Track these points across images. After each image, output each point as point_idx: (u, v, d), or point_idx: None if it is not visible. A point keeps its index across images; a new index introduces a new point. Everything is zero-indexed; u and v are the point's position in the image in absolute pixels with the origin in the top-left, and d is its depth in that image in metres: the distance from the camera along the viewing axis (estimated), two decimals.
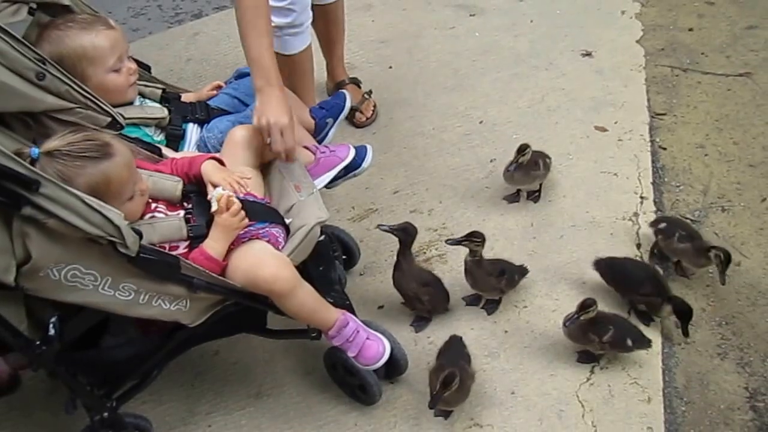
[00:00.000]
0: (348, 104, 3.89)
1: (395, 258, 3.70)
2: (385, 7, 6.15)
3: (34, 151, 2.50)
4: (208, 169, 3.03)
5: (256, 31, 3.29)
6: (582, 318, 3.44)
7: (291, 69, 4.30)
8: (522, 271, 3.91)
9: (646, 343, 3.55)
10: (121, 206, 2.62)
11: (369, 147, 3.76)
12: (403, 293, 3.76)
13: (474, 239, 3.71)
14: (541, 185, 4.39)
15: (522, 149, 4.16)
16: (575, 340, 3.58)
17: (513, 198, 4.42)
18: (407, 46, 5.72)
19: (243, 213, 2.89)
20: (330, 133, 3.88)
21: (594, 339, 3.49)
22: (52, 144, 2.56)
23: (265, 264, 2.91)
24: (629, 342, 3.52)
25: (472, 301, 3.94)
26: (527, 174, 4.25)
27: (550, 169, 4.39)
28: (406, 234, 3.66)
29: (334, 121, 3.86)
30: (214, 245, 2.86)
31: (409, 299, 3.78)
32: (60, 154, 2.54)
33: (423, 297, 3.73)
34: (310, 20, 4.23)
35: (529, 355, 3.68)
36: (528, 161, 4.22)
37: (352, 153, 3.63)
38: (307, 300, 3.07)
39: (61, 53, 2.99)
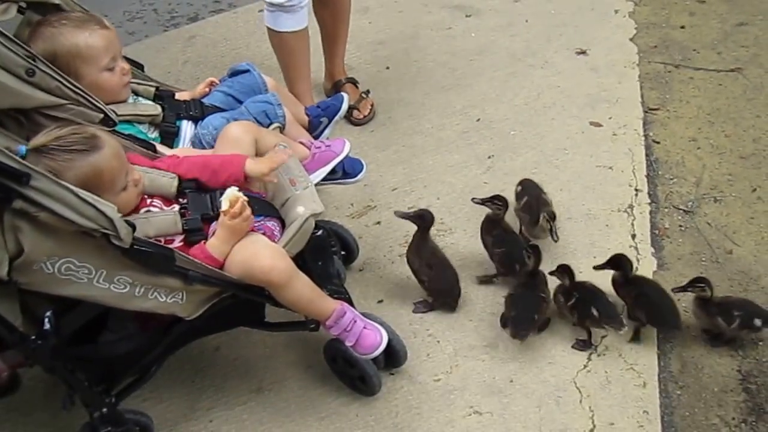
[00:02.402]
0: (345, 106, 3.86)
1: (411, 238, 3.75)
2: (382, 9, 6.10)
3: (21, 149, 2.46)
4: (252, 168, 3.01)
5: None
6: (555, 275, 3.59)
7: (284, 48, 4.29)
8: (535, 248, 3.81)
9: (618, 322, 3.52)
10: (115, 198, 2.61)
11: (365, 164, 3.82)
12: (411, 268, 3.77)
13: (496, 201, 3.79)
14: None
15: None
16: (557, 305, 3.65)
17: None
18: (404, 47, 5.68)
19: (252, 217, 2.86)
20: (325, 133, 3.85)
21: (561, 300, 3.59)
22: (38, 140, 2.53)
23: (261, 255, 2.85)
24: (594, 311, 3.52)
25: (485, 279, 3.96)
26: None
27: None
28: (423, 221, 3.68)
29: (329, 121, 3.83)
30: (220, 246, 2.82)
31: (414, 273, 3.78)
32: (47, 150, 2.51)
33: (422, 277, 3.73)
34: (307, 3, 4.19)
35: (527, 345, 3.63)
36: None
37: (347, 148, 3.59)
38: (303, 291, 3.02)
39: (55, 51, 2.95)
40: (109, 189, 2.60)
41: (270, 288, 2.95)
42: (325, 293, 3.20)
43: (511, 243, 3.83)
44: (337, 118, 3.87)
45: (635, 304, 3.58)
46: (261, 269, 2.85)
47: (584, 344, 3.61)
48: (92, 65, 3.06)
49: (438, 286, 3.77)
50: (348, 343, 3.19)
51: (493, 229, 3.86)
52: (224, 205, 2.78)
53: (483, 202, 3.79)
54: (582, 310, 3.53)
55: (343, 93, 3.98)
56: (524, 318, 3.54)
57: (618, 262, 3.63)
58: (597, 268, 3.65)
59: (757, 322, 3.47)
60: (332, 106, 3.85)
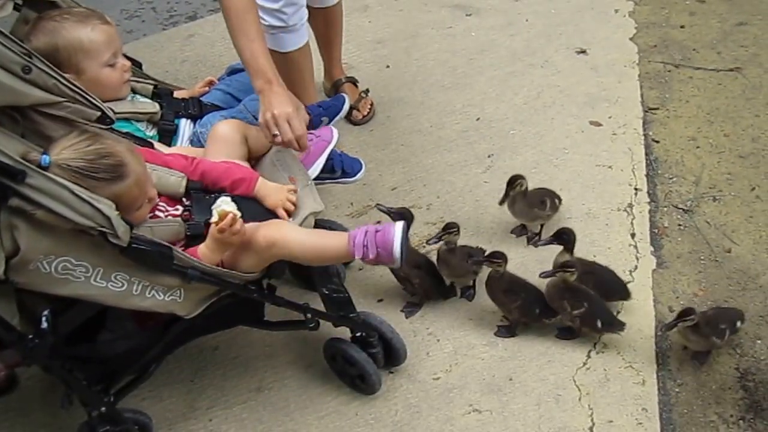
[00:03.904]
0: (346, 107, 3.83)
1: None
2: (382, 8, 6.07)
3: (45, 159, 2.42)
4: (262, 193, 3.07)
5: (246, 37, 3.29)
6: (558, 276, 3.51)
7: (288, 66, 4.22)
8: (482, 251, 3.81)
9: (617, 327, 3.54)
10: (127, 216, 2.57)
11: (363, 163, 3.87)
12: (395, 275, 3.76)
13: (450, 230, 3.71)
14: (542, 227, 4.16)
15: (512, 181, 3.95)
16: (550, 300, 3.58)
17: (520, 231, 4.21)
18: (404, 46, 5.65)
19: (244, 230, 2.81)
20: None
21: (566, 308, 3.51)
22: (63, 155, 2.48)
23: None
24: (599, 323, 3.52)
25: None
26: (529, 211, 4.04)
27: (558, 209, 4.15)
28: (402, 218, 3.59)
29: (330, 121, 3.79)
30: (209, 255, 2.81)
31: (401, 281, 3.77)
32: (71, 170, 2.47)
33: (414, 280, 3.70)
34: (305, 18, 4.15)
35: (527, 343, 3.64)
36: (532, 197, 4.03)
37: (336, 133, 3.62)
38: (301, 236, 2.96)
39: (57, 45, 2.95)
40: (123, 210, 2.55)
41: (273, 252, 2.90)
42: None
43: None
44: (337, 118, 3.83)
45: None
46: (256, 239, 2.85)
47: (569, 332, 3.65)
48: (94, 60, 3.05)
49: (429, 284, 3.77)
50: (371, 255, 2.99)
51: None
52: (214, 216, 2.74)
53: (440, 237, 3.70)
54: (587, 321, 3.51)
55: (344, 94, 3.95)
56: (540, 307, 3.59)
57: (564, 237, 3.66)
58: (541, 243, 3.68)
59: (738, 324, 3.49)
60: (333, 107, 3.82)
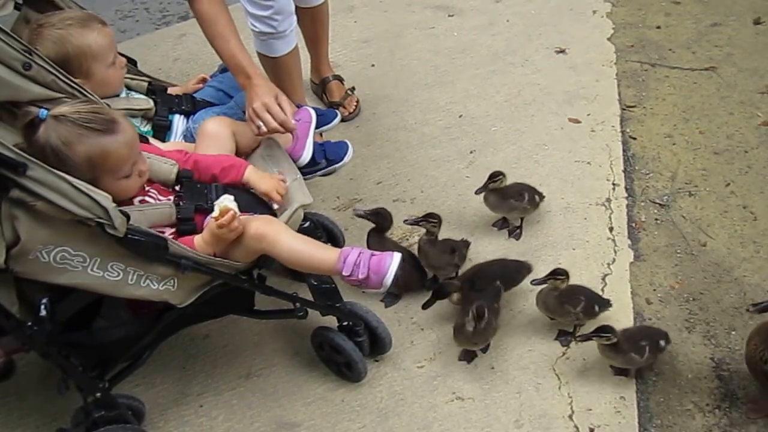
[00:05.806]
0: (336, 122, 3.84)
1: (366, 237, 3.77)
2: (367, 8, 6.09)
3: (43, 112, 2.47)
4: (253, 178, 3.09)
5: (221, 39, 3.39)
6: (549, 284, 3.50)
7: (277, 70, 4.24)
8: (466, 244, 3.88)
9: (606, 305, 3.59)
10: (114, 183, 2.64)
11: (350, 144, 3.82)
12: None
13: (431, 220, 3.72)
14: (522, 220, 4.18)
15: (494, 176, 3.96)
16: (553, 313, 3.57)
17: (501, 224, 4.22)
18: (389, 45, 5.67)
19: (241, 228, 2.83)
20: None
21: (570, 310, 3.49)
22: (61, 109, 2.54)
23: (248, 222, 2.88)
24: (596, 308, 3.55)
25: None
26: (505, 202, 4.04)
27: (538, 205, 4.14)
28: (381, 218, 3.68)
29: (316, 126, 3.78)
30: (205, 247, 2.83)
31: None
32: (65, 120, 2.52)
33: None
34: (294, 24, 4.15)
35: (508, 333, 3.65)
36: (510, 189, 4.04)
37: (312, 111, 3.62)
38: (295, 243, 2.93)
39: (68, 53, 2.98)
40: (111, 173, 2.61)
41: (261, 246, 2.90)
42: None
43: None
44: (326, 128, 3.83)
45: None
46: (247, 232, 2.85)
47: (569, 336, 3.64)
48: (101, 63, 3.09)
49: (410, 277, 3.78)
50: (361, 276, 2.95)
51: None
52: (215, 211, 2.77)
53: (417, 222, 3.72)
54: (588, 311, 3.52)
55: (338, 112, 3.97)
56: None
57: (441, 292, 3.59)
58: (426, 306, 3.56)
59: (662, 343, 3.44)
60: (324, 116, 3.83)
